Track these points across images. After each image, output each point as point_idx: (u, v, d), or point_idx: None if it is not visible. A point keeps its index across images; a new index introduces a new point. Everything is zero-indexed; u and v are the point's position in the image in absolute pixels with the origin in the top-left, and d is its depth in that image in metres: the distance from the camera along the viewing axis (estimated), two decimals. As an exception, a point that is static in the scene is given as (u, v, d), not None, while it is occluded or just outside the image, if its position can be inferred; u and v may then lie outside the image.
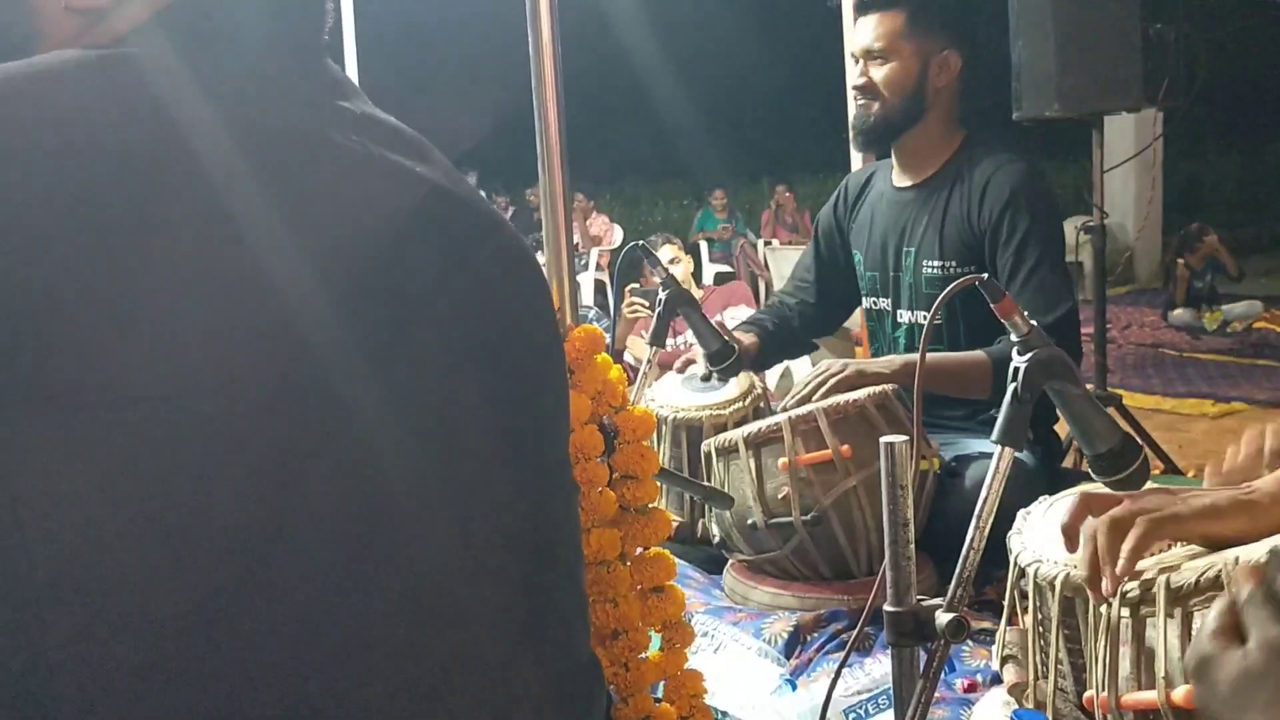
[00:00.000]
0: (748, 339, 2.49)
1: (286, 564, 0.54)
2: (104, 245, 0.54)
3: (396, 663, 0.55)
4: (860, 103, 2.35)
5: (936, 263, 2.28)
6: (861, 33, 2.33)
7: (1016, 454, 1.28)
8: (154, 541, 0.52)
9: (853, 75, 2.38)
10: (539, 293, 0.68)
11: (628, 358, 4.31)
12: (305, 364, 0.56)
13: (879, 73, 2.30)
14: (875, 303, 2.45)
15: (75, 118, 0.56)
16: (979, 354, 2.14)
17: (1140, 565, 1.20)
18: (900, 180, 2.41)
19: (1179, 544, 1.28)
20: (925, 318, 2.27)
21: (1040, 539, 1.40)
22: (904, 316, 2.36)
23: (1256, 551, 1.07)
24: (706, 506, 2.19)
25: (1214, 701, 0.74)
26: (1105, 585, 1.14)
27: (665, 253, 4.87)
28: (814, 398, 2.08)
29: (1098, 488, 1.39)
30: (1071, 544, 1.23)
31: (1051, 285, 2.15)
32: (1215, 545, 1.16)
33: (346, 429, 0.56)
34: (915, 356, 2.16)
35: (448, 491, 0.58)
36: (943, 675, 1.30)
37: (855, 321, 5.90)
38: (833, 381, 2.09)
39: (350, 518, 0.55)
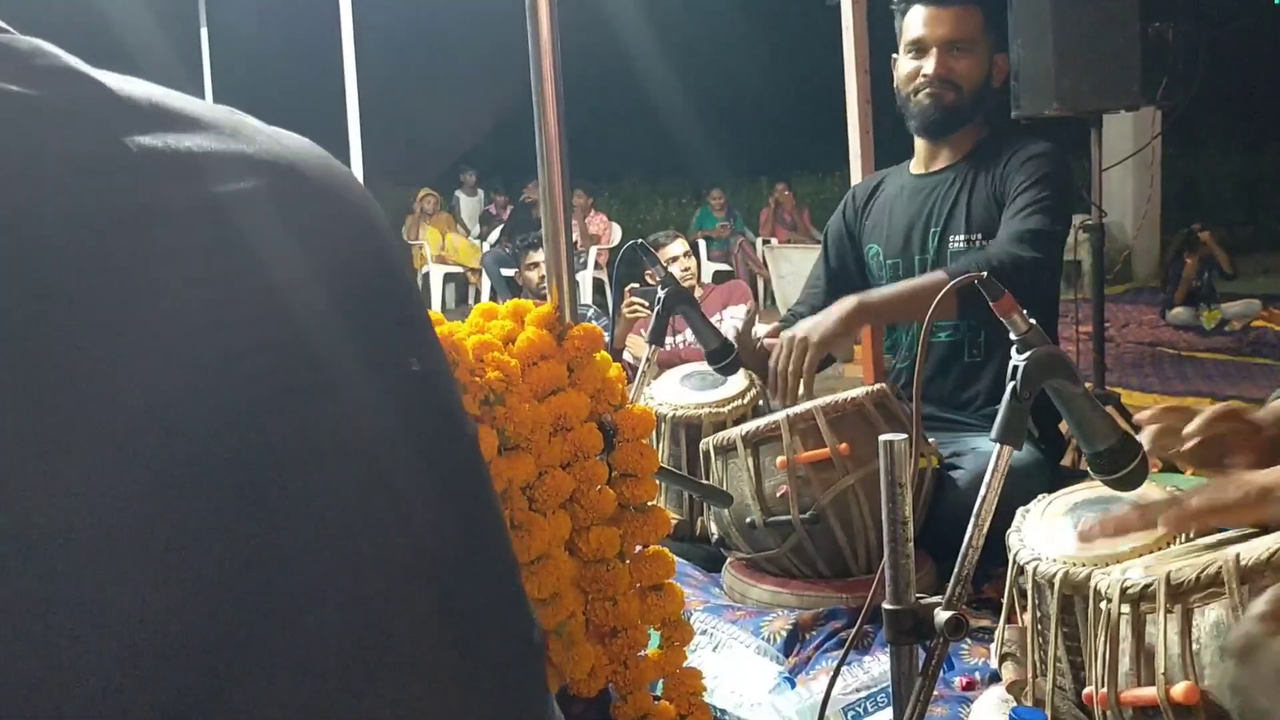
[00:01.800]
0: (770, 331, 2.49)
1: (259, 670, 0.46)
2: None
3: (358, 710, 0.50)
4: (931, 90, 2.39)
5: (961, 237, 2.35)
6: (938, 24, 2.38)
7: (1016, 451, 1.28)
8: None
9: (924, 65, 2.39)
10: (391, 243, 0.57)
11: (626, 356, 4.31)
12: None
13: (960, 64, 2.38)
14: None
15: None
16: (936, 273, 2.19)
17: (1141, 562, 1.20)
18: (921, 169, 2.50)
19: (1180, 539, 1.29)
20: None
21: (1039, 537, 1.40)
22: None
23: (1257, 549, 1.07)
24: (705, 505, 2.19)
25: (1255, 685, 0.74)
26: None
27: (676, 247, 4.86)
28: (789, 386, 2.06)
29: (1098, 487, 1.39)
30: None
31: (1037, 230, 2.19)
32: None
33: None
34: (855, 297, 2.14)
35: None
36: (941, 673, 1.30)
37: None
38: (802, 364, 2.05)
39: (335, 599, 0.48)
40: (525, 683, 0.58)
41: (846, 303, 2.11)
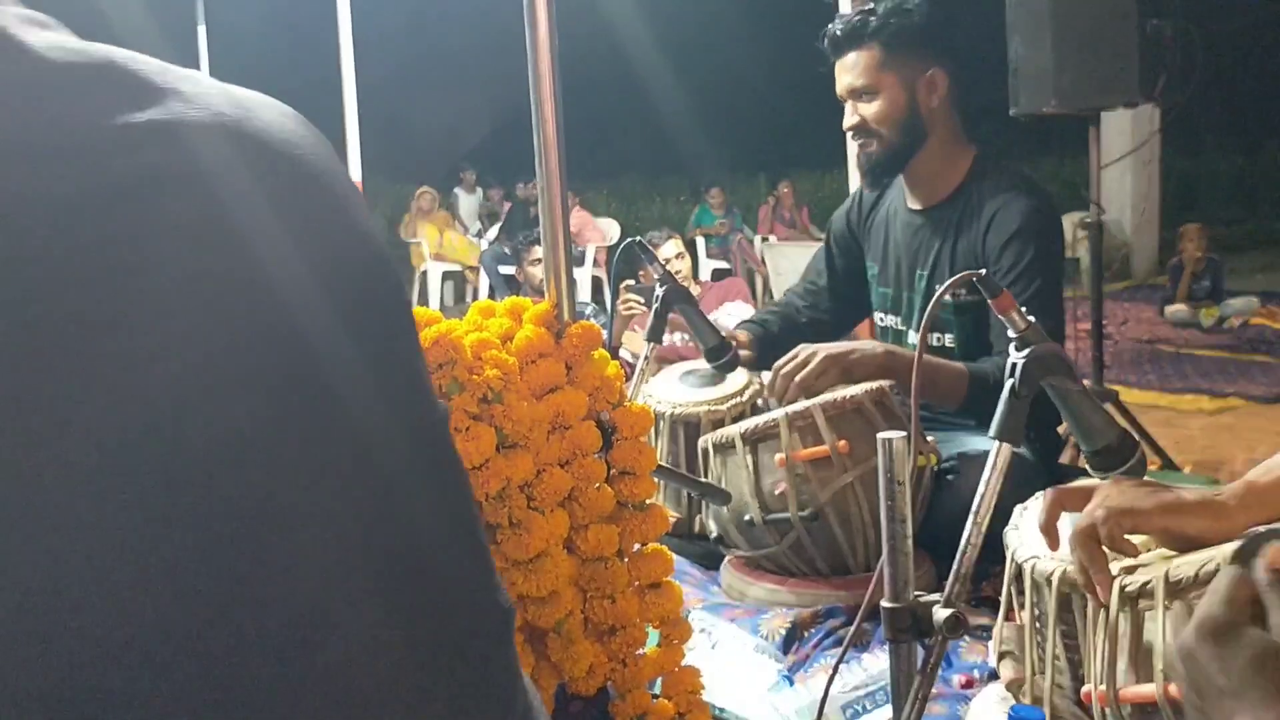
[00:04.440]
0: (744, 338, 2.48)
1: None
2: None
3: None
4: (859, 143, 2.34)
5: None
6: (842, 74, 2.31)
7: (1015, 449, 1.28)
8: None
9: (845, 118, 2.34)
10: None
11: (624, 354, 4.31)
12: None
13: (869, 110, 2.29)
14: (884, 319, 2.45)
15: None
16: (959, 365, 2.16)
17: (1141, 559, 1.20)
18: (913, 202, 2.39)
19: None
20: (936, 339, 2.30)
21: (1037, 535, 1.40)
22: (914, 338, 2.36)
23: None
24: (704, 502, 2.19)
25: (1221, 671, 0.73)
26: (1100, 593, 1.15)
27: (670, 248, 4.86)
28: (791, 387, 2.08)
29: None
30: (1052, 542, 1.24)
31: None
32: (1178, 542, 1.17)
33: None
34: (884, 348, 2.16)
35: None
36: (940, 671, 1.30)
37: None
38: (800, 373, 2.08)
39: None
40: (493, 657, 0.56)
41: (875, 348, 2.14)
